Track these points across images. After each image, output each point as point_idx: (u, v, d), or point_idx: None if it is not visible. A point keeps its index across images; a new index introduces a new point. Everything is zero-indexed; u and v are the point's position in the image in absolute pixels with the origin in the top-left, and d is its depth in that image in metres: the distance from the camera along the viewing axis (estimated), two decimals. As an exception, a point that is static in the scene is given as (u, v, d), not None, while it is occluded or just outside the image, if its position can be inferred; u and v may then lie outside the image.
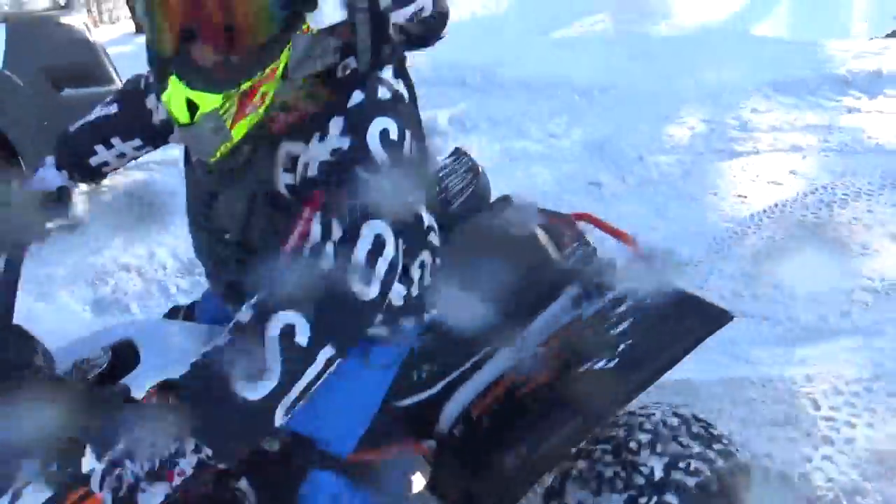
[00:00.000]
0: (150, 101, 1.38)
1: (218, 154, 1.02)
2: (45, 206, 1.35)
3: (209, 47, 0.94)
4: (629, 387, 1.45)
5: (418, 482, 1.25)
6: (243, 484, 1.22)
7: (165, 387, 1.06)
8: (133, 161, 1.49)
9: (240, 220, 1.12)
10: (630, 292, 1.56)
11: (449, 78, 5.21)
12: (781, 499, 2.06)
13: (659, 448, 1.49)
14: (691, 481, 1.44)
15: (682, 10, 6.86)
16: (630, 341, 1.47)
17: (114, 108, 1.41)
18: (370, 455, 1.34)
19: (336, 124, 1.01)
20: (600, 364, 1.44)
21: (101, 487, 0.85)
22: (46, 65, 3.21)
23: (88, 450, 0.88)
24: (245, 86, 0.96)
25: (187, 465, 0.87)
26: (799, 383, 2.51)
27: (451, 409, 1.47)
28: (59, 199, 1.39)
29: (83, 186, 1.51)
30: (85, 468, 0.86)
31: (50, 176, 1.40)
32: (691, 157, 4.24)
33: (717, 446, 1.51)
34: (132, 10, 6.45)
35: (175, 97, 0.95)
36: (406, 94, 1.11)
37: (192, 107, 0.95)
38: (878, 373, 2.54)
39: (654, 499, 1.43)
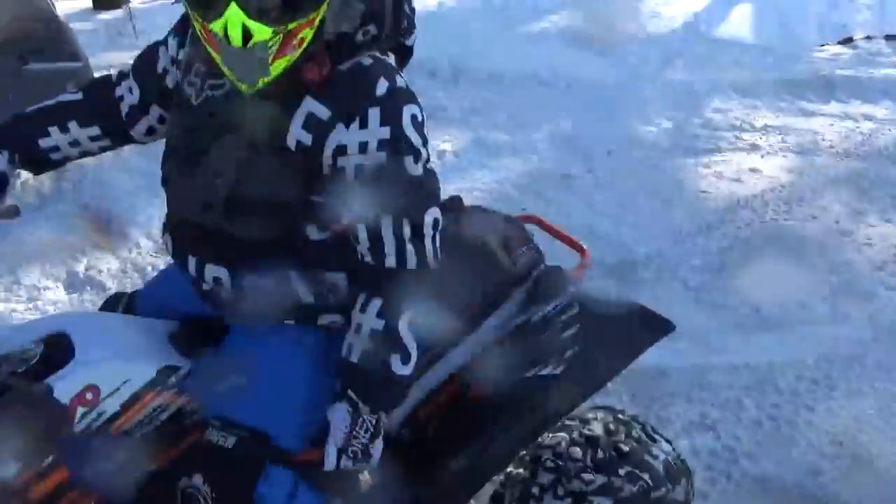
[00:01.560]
0: (121, 90, 1.35)
1: (259, 83, 1.10)
2: None
3: None
4: (575, 394, 1.47)
5: (366, 482, 1.23)
6: (197, 481, 1.20)
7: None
8: (83, 157, 1.40)
9: (238, 165, 1.16)
10: (577, 299, 1.57)
11: (419, 69, 5.24)
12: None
13: (598, 457, 1.49)
14: (629, 488, 1.46)
15: (646, 10, 7.04)
16: (577, 349, 1.48)
17: (78, 95, 1.37)
18: (320, 454, 1.30)
19: (374, 115, 1.12)
20: (547, 370, 1.45)
21: (340, 456, 1.19)
22: (10, 37, 3.13)
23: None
24: (292, 25, 1.06)
25: (377, 424, 1.21)
26: (762, 370, 2.67)
27: (399, 411, 1.41)
28: None
29: (23, 174, 1.42)
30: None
31: None
32: (658, 153, 4.37)
33: (655, 451, 1.53)
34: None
35: (233, 22, 1.03)
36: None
37: (246, 34, 1.04)
38: (832, 358, 2.71)
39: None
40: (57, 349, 1.17)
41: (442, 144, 4.26)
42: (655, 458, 1.52)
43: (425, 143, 1.17)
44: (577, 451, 1.51)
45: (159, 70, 1.32)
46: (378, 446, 1.23)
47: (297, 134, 1.14)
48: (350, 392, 1.20)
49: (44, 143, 1.32)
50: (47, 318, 1.32)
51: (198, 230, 1.23)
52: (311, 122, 1.14)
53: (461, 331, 1.50)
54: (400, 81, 1.17)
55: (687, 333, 2.81)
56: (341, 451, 1.20)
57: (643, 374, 2.56)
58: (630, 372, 2.55)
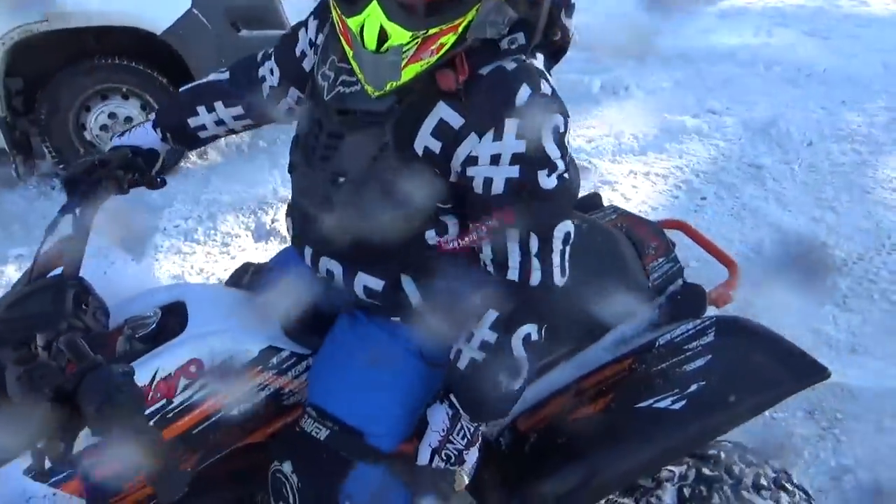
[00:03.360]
0: (263, 70, 1.35)
1: (387, 87, 1.04)
2: (131, 164, 1.32)
3: None
4: (693, 435, 1.27)
5: (460, 482, 1.18)
6: (287, 468, 1.18)
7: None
8: (230, 134, 1.47)
9: (362, 165, 1.11)
10: (713, 325, 1.37)
11: (604, 44, 5.05)
12: None
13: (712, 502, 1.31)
14: None
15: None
16: (703, 382, 1.28)
17: (225, 75, 1.40)
18: (413, 449, 1.27)
19: (511, 126, 1.02)
20: (665, 403, 1.27)
21: (433, 456, 1.17)
22: (228, 6, 3.38)
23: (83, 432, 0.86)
24: (433, 31, 0.99)
25: (475, 433, 1.18)
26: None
27: None
28: (146, 160, 1.36)
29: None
30: (77, 447, 0.88)
31: (143, 135, 1.39)
32: (869, 147, 3.78)
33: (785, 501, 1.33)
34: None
35: (370, 22, 0.97)
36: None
37: (382, 35, 0.97)
38: None
39: None
40: (173, 317, 1.21)
41: (620, 125, 4.05)
42: None
43: (563, 154, 1.06)
44: (687, 491, 1.33)
45: (297, 52, 1.29)
46: (473, 454, 1.19)
47: (425, 140, 1.07)
48: (452, 397, 1.16)
49: (193, 122, 1.39)
50: (170, 287, 1.35)
51: (316, 221, 1.20)
52: (441, 129, 1.06)
53: (575, 344, 1.38)
54: (545, 87, 1.05)
55: (884, 353, 2.48)
56: (435, 452, 1.17)
57: (826, 389, 2.27)
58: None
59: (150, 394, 1.11)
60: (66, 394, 0.83)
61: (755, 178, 3.55)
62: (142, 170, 1.36)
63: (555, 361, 1.39)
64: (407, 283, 1.19)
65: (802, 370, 1.33)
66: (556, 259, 1.09)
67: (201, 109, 1.38)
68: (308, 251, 1.26)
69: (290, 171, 1.28)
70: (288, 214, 1.35)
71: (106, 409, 0.81)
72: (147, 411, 1.10)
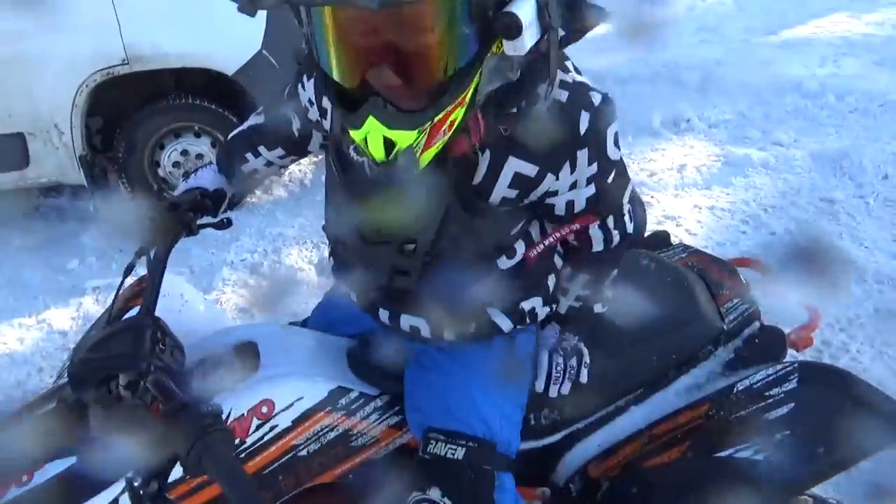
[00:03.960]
0: (289, 111, 1.33)
1: (406, 179, 0.99)
2: (201, 205, 1.37)
3: (408, 90, 0.90)
4: (778, 487, 1.20)
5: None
6: (435, 494, 1.17)
7: None
8: (283, 169, 1.51)
9: (432, 228, 1.09)
10: (796, 370, 1.30)
11: (664, 76, 4.99)
12: None
13: None
14: None
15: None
16: (787, 432, 1.21)
17: (261, 119, 1.42)
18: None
19: (582, 157, 1.06)
20: (747, 453, 1.20)
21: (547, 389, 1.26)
22: (296, 49, 3.53)
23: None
24: (438, 117, 0.92)
25: (581, 352, 1.31)
26: None
27: (570, 462, 1.33)
28: (214, 201, 1.40)
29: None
30: (170, 478, 0.90)
31: (210, 177, 1.44)
32: None
33: None
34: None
35: (373, 138, 0.91)
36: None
37: (388, 145, 0.92)
38: None
39: None
40: (246, 357, 1.24)
41: (683, 158, 4.02)
42: None
43: (619, 147, 1.11)
44: None
45: (304, 103, 1.26)
46: (586, 356, 1.29)
47: (502, 192, 1.08)
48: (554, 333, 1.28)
49: (245, 168, 1.44)
50: (243, 327, 1.39)
51: (390, 290, 1.19)
52: (518, 180, 1.07)
53: (649, 386, 1.34)
54: (596, 98, 1.04)
55: None
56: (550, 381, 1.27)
57: None
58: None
59: None
60: (158, 435, 0.84)
61: (827, 212, 3.42)
62: (210, 211, 1.39)
63: (626, 405, 1.35)
64: (495, 315, 1.22)
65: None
66: (628, 221, 1.21)
67: (249, 156, 1.42)
68: (384, 314, 1.26)
69: (334, 244, 1.27)
70: (341, 281, 1.31)
71: (199, 447, 0.82)
72: None
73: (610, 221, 1.20)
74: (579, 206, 1.13)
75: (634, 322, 1.20)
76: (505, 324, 1.23)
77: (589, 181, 1.09)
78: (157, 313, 1.16)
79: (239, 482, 0.81)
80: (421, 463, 1.21)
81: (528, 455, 1.32)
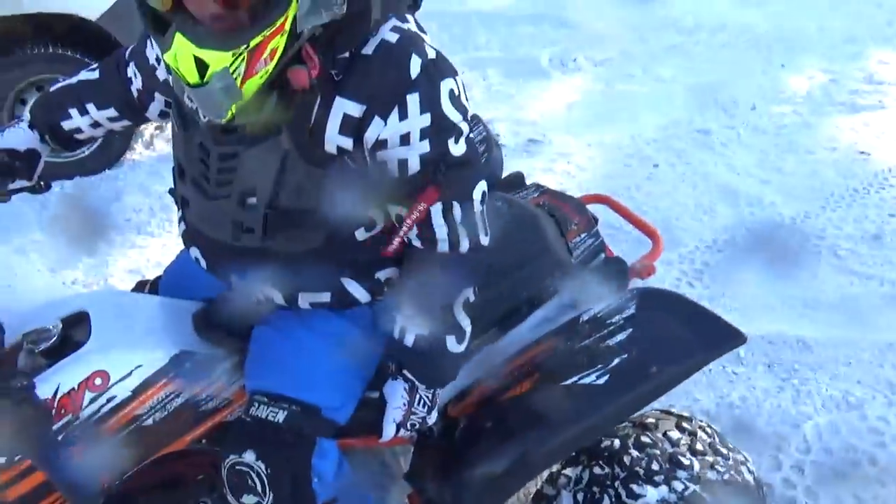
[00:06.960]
0: (129, 71, 1.26)
1: (229, 114, 0.95)
2: (10, 168, 1.23)
3: (217, 10, 0.88)
4: (617, 408, 1.28)
5: (399, 470, 1.17)
6: (249, 457, 1.13)
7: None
8: (109, 135, 1.38)
9: (272, 183, 1.05)
10: (635, 297, 1.38)
11: (549, 17, 5.06)
12: None
13: (652, 468, 1.33)
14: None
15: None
16: (625, 356, 1.29)
17: (94, 74, 1.31)
18: (355, 442, 1.28)
19: (413, 101, 0.99)
20: (589, 379, 1.28)
21: (398, 429, 1.22)
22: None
23: None
24: (254, 42, 0.89)
25: (434, 397, 1.24)
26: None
27: None
28: (28, 161, 1.26)
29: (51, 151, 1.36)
30: None
31: (19, 136, 1.28)
32: (809, 108, 3.82)
33: (721, 466, 1.35)
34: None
35: (182, 56, 0.88)
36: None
37: (200, 66, 0.89)
38: None
39: None
40: (76, 328, 1.14)
41: (570, 95, 4.08)
42: (720, 473, 1.34)
43: (465, 114, 1.05)
44: (628, 459, 1.35)
45: (152, 60, 1.20)
46: (434, 415, 1.24)
47: (335, 140, 1.02)
48: (406, 372, 1.20)
49: (67, 124, 1.29)
50: (71, 297, 1.26)
51: (235, 251, 1.12)
52: (347, 124, 1.01)
53: (499, 325, 1.37)
54: (431, 52, 1.02)
55: (834, 305, 2.53)
56: (399, 425, 1.21)
57: (783, 343, 2.34)
58: (768, 340, 2.40)
59: (55, 409, 1.03)
60: None
61: (703, 143, 3.59)
62: (22, 174, 1.24)
63: (480, 345, 1.35)
64: (350, 285, 1.17)
65: (720, 336, 1.34)
66: (478, 220, 1.11)
67: (74, 112, 1.28)
68: (235, 280, 1.18)
69: (182, 207, 1.17)
70: (190, 245, 1.22)
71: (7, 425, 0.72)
72: (54, 427, 1.03)
73: (457, 213, 1.07)
74: (413, 167, 1.03)
75: (485, 264, 1.18)
76: (361, 294, 1.17)
77: (423, 135, 1.01)
78: None
79: (52, 456, 0.74)
80: (241, 425, 1.16)
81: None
